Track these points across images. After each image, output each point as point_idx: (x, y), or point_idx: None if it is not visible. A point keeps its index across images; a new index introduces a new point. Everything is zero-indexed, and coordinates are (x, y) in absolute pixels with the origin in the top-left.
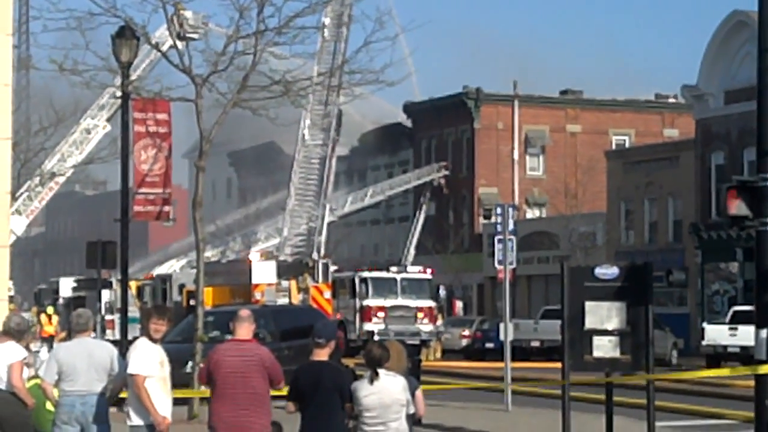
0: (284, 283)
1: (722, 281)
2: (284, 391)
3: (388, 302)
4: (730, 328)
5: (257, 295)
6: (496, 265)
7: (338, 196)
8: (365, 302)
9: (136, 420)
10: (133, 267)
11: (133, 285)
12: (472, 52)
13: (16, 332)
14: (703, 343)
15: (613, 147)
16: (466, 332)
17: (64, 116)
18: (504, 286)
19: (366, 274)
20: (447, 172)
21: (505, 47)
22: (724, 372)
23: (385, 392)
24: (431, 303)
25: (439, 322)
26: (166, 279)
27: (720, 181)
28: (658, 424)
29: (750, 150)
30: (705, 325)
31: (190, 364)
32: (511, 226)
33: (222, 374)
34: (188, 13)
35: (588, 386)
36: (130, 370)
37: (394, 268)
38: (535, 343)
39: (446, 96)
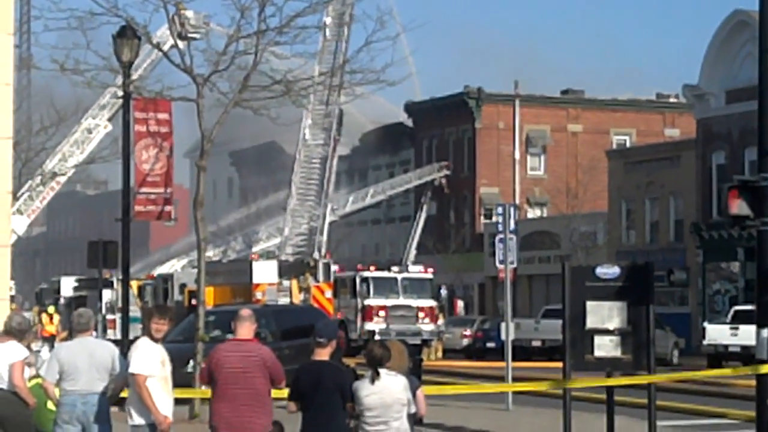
0: (285, 283)
1: (723, 281)
2: (285, 392)
3: (390, 302)
4: (732, 328)
5: (258, 295)
6: (497, 264)
7: (339, 196)
8: (366, 302)
9: (137, 419)
10: (135, 266)
11: (134, 284)
12: (473, 51)
13: (18, 332)
14: (705, 342)
15: (614, 146)
16: (468, 332)
17: (66, 116)
18: (505, 286)
19: (367, 273)
20: (448, 172)
21: (507, 47)
22: (725, 372)
23: (386, 392)
24: (432, 302)
25: (440, 321)
26: (167, 278)
27: (721, 181)
28: (659, 423)
29: (751, 150)
30: (706, 324)
31: (191, 363)
32: (512, 226)
33: (223, 374)
34: (189, 13)
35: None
36: (131, 370)
37: (395, 268)
38: (537, 343)
39: (447, 96)
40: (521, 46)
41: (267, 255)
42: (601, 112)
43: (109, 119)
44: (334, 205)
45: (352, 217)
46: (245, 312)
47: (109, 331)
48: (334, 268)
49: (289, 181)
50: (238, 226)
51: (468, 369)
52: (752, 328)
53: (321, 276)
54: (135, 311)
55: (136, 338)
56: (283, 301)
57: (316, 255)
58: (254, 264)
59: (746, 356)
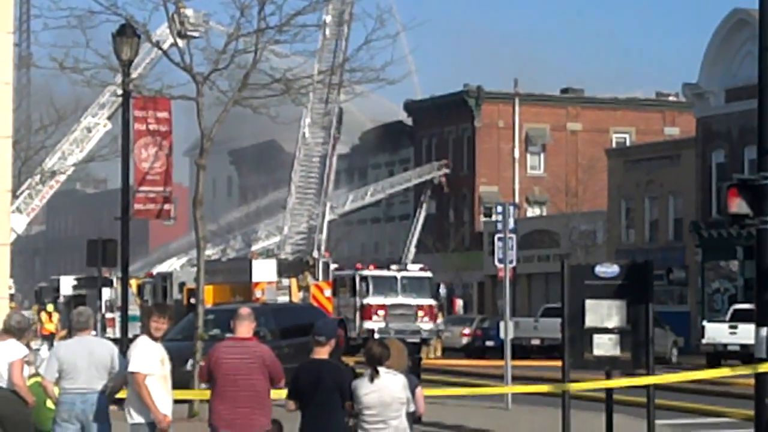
0: (285, 282)
1: (722, 279)
2: (284, 391)
3: (389, 300)
4: (731, 327)
5: (258, 294)
6: (497, 263)
7: (339, 195)
8: (365, 300)
9: (137, 418)
10: (134, 265)
11: (133, 283)
12: (473, 50)
13: (17, 330)
14: (704, 341)
15: (614, 145)
16: (467, 330)
17: (65, 114)
18: (504, 285)
19: (366, 272)
20: (447, 171)
21: (506, 45)
22: (724, 372)
23: (385, 390)
24: (431, 301)
25: (440, 320)
26: (166, 277)
27: (721, 180)
28: (658, 422)
29: (751, 148)
30: (705, 323)
31: (190, 362)
32: (511, 225)
33: (222, 372)
34: (189, 11)
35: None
36: (130, 368)
37: (394, 267)
38: (536, 342)
39: (447, 94)
40: (521, 45)
41: (266, 253)
42: (601, 110)
43: (109, 118)
44: (334, 204)
45: (351, 216)
46: (244, 311)
47: (109, 330)
48: (333, 266)
49: (288, 180)
50: (237, 224)
51: (467, 368)
52: (751, 326)
53: (320, 275)
54: (134, 310)
55: (136, 337)
56: (283, 299)
57: (315, 254)
58: (253, 262)
59: (745, 355)
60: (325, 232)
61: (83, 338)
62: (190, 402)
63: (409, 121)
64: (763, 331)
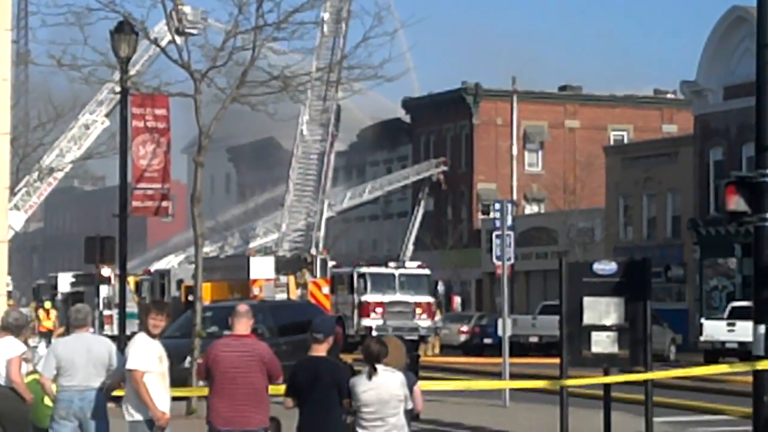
0: (282, 279)
1: (720, 277)
2: (282, 388)
3: (387, 298)
4: (728, 324)
5: (255, 291)
6: (495, 260)
7: (337, 192)
8: (363, 298)
9: (135, 415)
10: (132, 262)
11: (131, 280)
12: (471, 47)
13: (15, 327)
14: (701, 338)
15: (612, 143)
16: (465, 328)
17: (63, 111)
18: (502, 282)
19: (364, 269)
20: (446, 168)
21: (504, 43)
22: (722, 369)
23: (383, 388)
24: (430, 298)
25: (438, 317)
26: (164, 274)
27: (719, 177)
28: (656, 419)
29: (749, 146)
30: (703, 320)
31: (188, 359)
32: (509, 222)
33: (220, 370)
34: (187, 9)
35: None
36: (128, 366)
37: (392, 264)
38: (534, 339)
39: (445, 92)
40: (519, 42)
41: (264, 251)
42: (599, 108)
43: (107, 115)
44: (332, 201)
45: (349, 213)
46: (242, 308)
47: (106, 327)
48: (331, 263)
49: (286, 177)
50: (235, 221)
51: (465, 365)
52: (749, 324)
53: (318, 272)
54: (132, 307)
55: (134, 334)
56: (280, 296)
57: (313, 251)
58: (251, 260)
59: (743, 352)
60: (323, 230)
61: (81, 335)
62: (188, 399)
63: (407, 119)
64: (761, 328)
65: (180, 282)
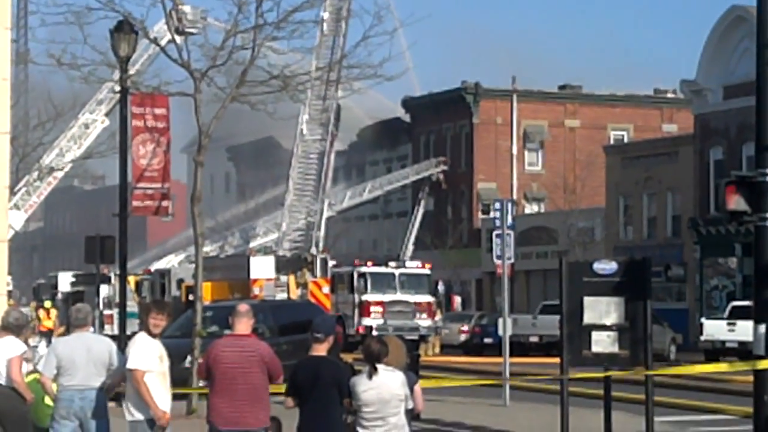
0: (283, 278)
1: (721, 276)
2: (282, 387)
3: (387, 297)
4: (729, 324)
5: (256, 290)
6: (495, 260)
7: (337, 191)
8: (364, 297)
9: (136, 415)
10: (132, 262)
11: (131, 280)
12: (470, 47)
13: (15, 327)
14: (702, 338)
15: (612, 142)
16: (465, 327)
17: (63, 111)
18: (503, 281)
19: (365, 269)
20: (445, 167)
21: (504, 42)
22: (722, 367)
23: (383, 387)
24: (430, 298)
25: (438, 317)
26: (164, 274)
27: (719, 177)
28: (656, 419)
29: (749, 145)
30: (703, 320)
31: (188, 359)
32: (509, 221)
33: (221, 369)
34: (187, 8)
35: (587, 381)
36: (129, 365)
37: (392, 263)
38: (534, 339)
39: (445, 91)
40: (519, 42)
41: (264, 250)
42: (599, 107)
43: (107, 114)
44: (332, 201)
45: (349, 213)
46: (243, 307)
47: (107, 327)
48: (331, 263)
49: (286, 177)
50: (235, 221)
51: (465, 365)
52: (749, 323)
53: (318, 271)
54: (132, 306)
55: (134, 333)
56: (281, 296)
57: (313, 250)
58: (252, 259)
59: (743, 352)
60: (323, 229)
61: (81, 335)
62: (188, 399)
63: (407, 118)
64: (762, 328)
65: (180, 281)
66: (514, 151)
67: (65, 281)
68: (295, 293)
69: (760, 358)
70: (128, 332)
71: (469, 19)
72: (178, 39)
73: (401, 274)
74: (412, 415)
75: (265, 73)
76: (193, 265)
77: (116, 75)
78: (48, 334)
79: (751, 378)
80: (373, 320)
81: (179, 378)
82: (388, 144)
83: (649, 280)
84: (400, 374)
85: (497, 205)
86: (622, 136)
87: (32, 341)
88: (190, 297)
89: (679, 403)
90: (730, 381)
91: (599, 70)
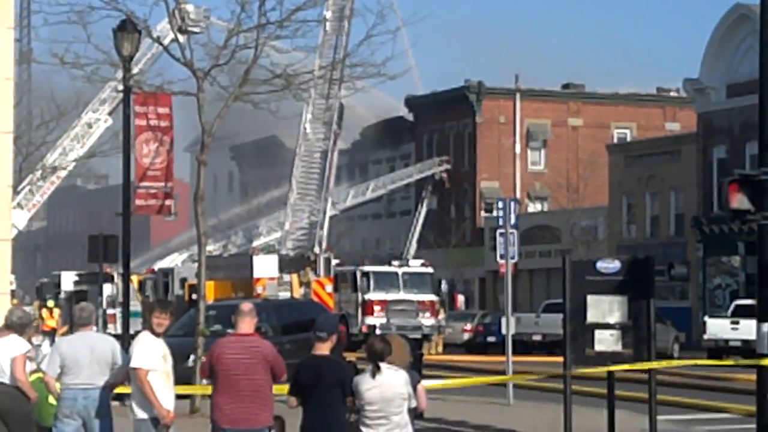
0: (286, 277)
1: (724, 275)
2: (285, 387)
3: (390, 296)
4: (732, 322)
5: (259, 289)
6: (498, 259)
7: (340, 190)
8: (367, 296)
9: (140, 414)
10: (135, 261)
11: (135, 279)
12: (473, 45)
13: (19, 326)
14: (705, 337)
15: (615, 141)
16: (468, 326)
17: (66, 110)
18: (506, 280)
19: (367, 268)
20: (449, 166)
21: (507, 41)
22: (725, 363)
23: (387, 386)
24: (433, 297)
25: (441, 316)
26: (167, 273)
27: (722, 175)
28: (660, 417)
29: (752, 144)
30: (707, 319)
31: (192, 358)
32: (512, 220)
33: (224, 368)
34: (190, 7)
35: (590, 380)
36: (133, 364)
37: (395, 262)
38: (537, 337)
39: (448, 90)
40: (522, 40)
41: (267, 249)
42: (602, 106)
43: (110, 113)
44: (335, 200)
45: (352, 212)
46: (246, 306)
47: (110, 326)
48: (334, 262)
49: (289, 176)
50: (238, 220)
51: (468, 363)
52: (753, 322)
53: (321, 270)
54: (136, 306)
55: (137, 333)
56: (284, 295)
57: (316, 249)
58: (255, 258)
59: (747, 351)
60: (326, 228)
61: (85, 334)
62: (191, 398)
63: (410, 117)
64: (765, 326)
65: (183, 280)
66: (517, 149)
67: (68, 280)
68: (298, 292)
69: (764, 356)
70: (131, 331)
71: (472, 17)
72: (181, 38)
73: (404, 273)
74: (416, 414)
75: (268, 72)
76: (196, 264)
77: (119, 74)
78: (51, 334)
79: (754, 376)
80: (376, 319)
81: (182, 377)
82: (391, 143)
83: (652, 279)
84: (404, 373)
85: (500, 204)
86: (625, 134)
87: (35, 340)
88: (193, 296)
89: (682, 402)
90: (733, 379)
91: (602, 69)
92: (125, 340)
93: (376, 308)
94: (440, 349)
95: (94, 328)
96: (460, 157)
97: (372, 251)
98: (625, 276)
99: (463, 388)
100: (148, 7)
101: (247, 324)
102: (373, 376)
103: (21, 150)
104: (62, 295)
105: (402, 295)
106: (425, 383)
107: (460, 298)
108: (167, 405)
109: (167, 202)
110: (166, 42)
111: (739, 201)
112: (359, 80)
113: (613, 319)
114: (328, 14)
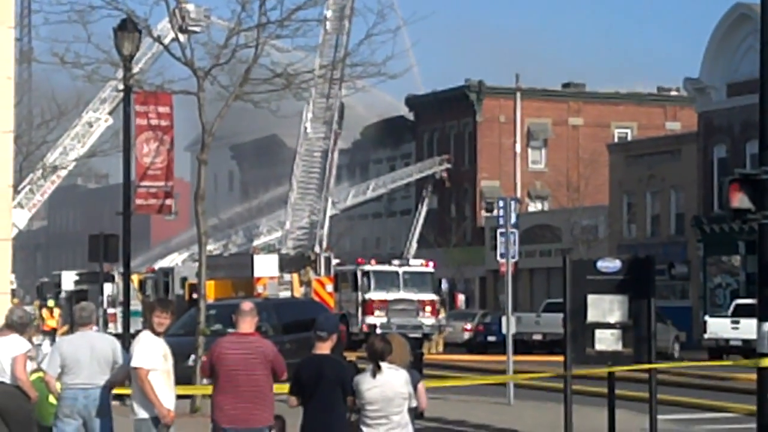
0: (286, 277)
1: (724, 274)
2: (286, 386)
3: (390, 295)
4: (733, 322)
5: (259, 289)
6: (499, 258)
7: (340, 190)
8: (367, 295)
9: (141, 413)
10: (136, 260)
11: (135, 278)
12: (474, 45)
13: (19, 325)
14: (706, 336)
15: (616, 140)
16: (469, 326)
17: (66, 109)
18: (506, 280)
19: (368, 267)
20: (449, 165)
21: (508, 40)
22: (725, 363)
23: (387, 385)
24: (433, 296)
25: (442, 315)
26: (168, 272)
27: (722, 174)
28: (660, 417)
29: (752, 143)
30: (707, 318)
31: (192, 357)
32: (513, 220)
33: (225, 367)
34: (190, 6)
35: (590, 379)
36: (133, 363)
37: (396, 262)
38: (538, 337)
39: (448, 89)
40: (522, 40)
41: (268, 248)
42: (602, 105)
43: (110, 113)
44: (335, 199)
45: (353, 211)
46: (246, 306)
47: (110, 325)
48: (334, 261)
49: (289, 175)
50: (239, 219)
51: (469, 363)
52: (753, 321)
53: (322, 270)
54: (136, 305)
55: (138, 332)
56: (284, 294)
57: (317, 248)
58: (255, 258)
59: (747, 350)
60: (327, 227)
61: (85, 333)
62: (192, 397)
63: (410, 116)
64: (766, 326)
65: (184, 280)
66: (518, 149)
67: (69, 280)
68: (299, 291)
69: (764, 356)
70: (132, 331)
71: (472, 17)
72: (182, 37)
73: (405, 273)
74: (416, 414)
75: (269, 72)
76: (197, 264)
77: (120, 73)
78: (51, 333)
79: (754, 376)
80: (377, 318)
81: (183, 376)
82: (391, 142)
83: (652, 278)
84: (404, 372)
85: (501, 203)
86: (626, 134)
87: (36, 340)
88: (194, 295)
89: (682, 401)
90: (733, 379)
91: (603, 68)
92: (126, 339)
93: (377, 308)
94: (441, 348)
95: (95, 327)
96: (460, 156)
97: (372, 250)
98: (626, 275)
99: (463, 387)
100: (148, 6)
101: (247, 323)
102: (374, 375)
103: (21, 149)
104: (63, 295)
105: (402, 294)
106: (425, 382)
107: (461, 298)
108: (168, 404)
109: (167, 202)
110: (166, 41)
111: (740, 200)
112: (360, 79)
113: (613, 319)
114: (329, 13)
